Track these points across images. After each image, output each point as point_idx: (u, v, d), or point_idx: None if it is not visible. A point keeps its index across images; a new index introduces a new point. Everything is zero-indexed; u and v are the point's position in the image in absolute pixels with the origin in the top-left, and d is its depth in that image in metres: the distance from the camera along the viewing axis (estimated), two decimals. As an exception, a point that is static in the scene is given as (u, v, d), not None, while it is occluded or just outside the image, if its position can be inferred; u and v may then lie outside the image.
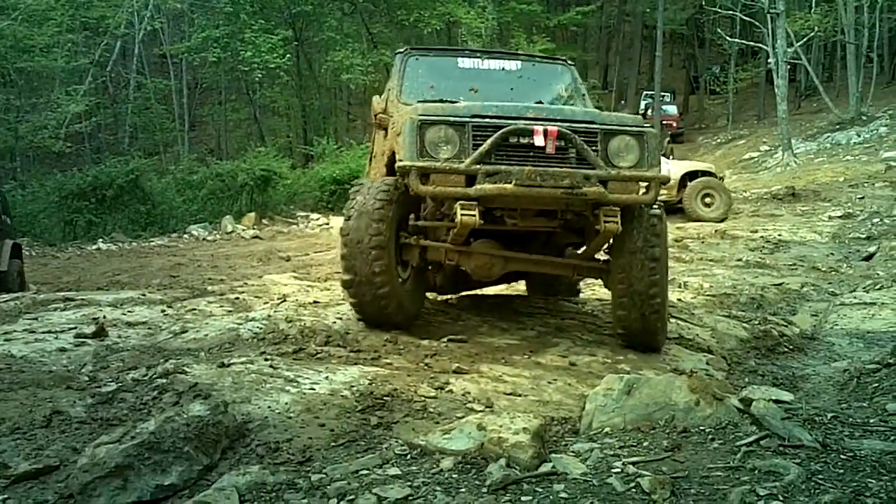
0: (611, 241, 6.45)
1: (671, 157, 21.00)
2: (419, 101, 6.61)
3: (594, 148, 5.89)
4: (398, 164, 5.88)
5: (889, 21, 39.04)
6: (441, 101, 6.43)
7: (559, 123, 5.85)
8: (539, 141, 5.75)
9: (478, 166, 5.69)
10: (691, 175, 20.46)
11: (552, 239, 6.98)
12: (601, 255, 6.83)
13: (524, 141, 5.79)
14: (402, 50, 7.93)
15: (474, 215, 5.72)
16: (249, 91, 38.87)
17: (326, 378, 4.90)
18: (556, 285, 8.61)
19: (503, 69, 7.73)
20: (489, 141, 5.71)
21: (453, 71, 7.62)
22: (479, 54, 8.03)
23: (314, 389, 4.67)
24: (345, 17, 36.61)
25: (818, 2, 36.05)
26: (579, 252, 7.02)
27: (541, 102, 6.89)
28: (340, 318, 6.56)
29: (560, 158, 5.82)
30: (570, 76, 8.04)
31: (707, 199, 19.98)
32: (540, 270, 7.18)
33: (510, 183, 5.64)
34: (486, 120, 5.84)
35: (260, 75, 32.72)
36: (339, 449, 4.00)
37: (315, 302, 7.63)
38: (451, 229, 6.24)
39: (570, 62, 8.37)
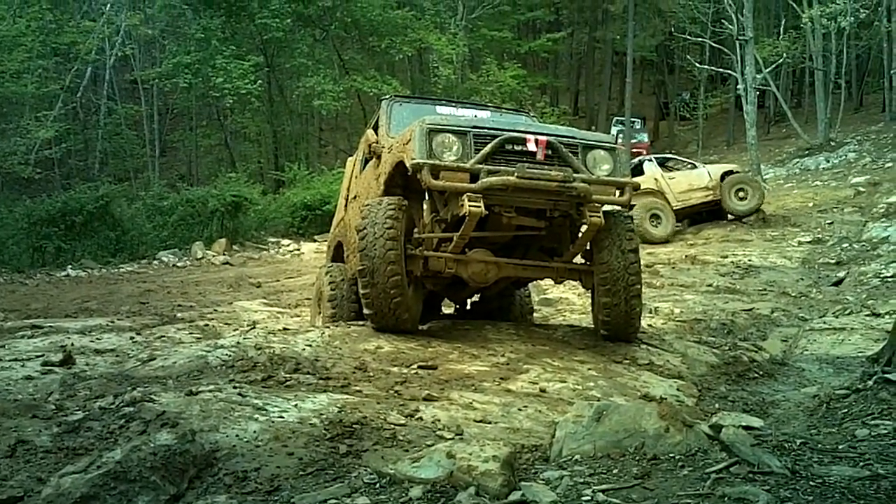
0: (588, 246, 7.44)
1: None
2: None
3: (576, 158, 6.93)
4: (412, 162, 6.68)
5: (856, 48, 39.60)
6: None
7: (546, 136, 6.91)
8: (531, 147, 6.77)
9: (480, 166, 6.60)
10: (724, 175, 21.76)
11: (532, 250, 7.81)
12: (578, 260, 7.73)
13: (518, 148, 6.78)
14: (387, 97, 9.28)
15: (480, 206, 6.50)
16: (220, 117, 38.86)
17: (295, 406, 4.86)
18: (511, 310, 9.40)
19: (476, 116, 8.57)
20: (490, 145, 6.67)
21: (432, 115, 8.20)
22: (454, 103, 9.53)
23: (283, 417, 4.62)
24: (316, 43, 36.62)
25: (786, 28, 36.48)
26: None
27: None
28: (310, 345, 6.50)
29: (548, 164, 6.78)
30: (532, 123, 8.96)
31: (741, 193, 21.43)
32: (529, 275, 7.95)
33: (512, 176, 6.51)
34: (485, 130, 6.84)
35: (231, 101, 32.67)
36: (308, 478, 3.96)
37: (285, 329, 7.59)
38: (451, 239, 7.05)
39: (532, 113, 9.99)
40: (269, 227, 25.86)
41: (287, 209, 26.30)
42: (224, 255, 22.00)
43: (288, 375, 5.68)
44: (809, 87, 40.25)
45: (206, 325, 8.42)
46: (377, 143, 8.23)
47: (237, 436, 4.28)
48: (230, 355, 6.18)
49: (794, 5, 35.09)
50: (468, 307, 9.57)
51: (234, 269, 19.81)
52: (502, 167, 6.62)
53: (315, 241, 24.03)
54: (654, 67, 56.23)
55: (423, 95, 9.56)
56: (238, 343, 6.56)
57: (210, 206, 23.75)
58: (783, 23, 37.45)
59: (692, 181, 21.63)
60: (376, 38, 35.40)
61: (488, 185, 6.52)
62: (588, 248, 7.50)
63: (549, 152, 6.81)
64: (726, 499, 3.37)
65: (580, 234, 7.38)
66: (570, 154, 6.87)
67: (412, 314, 7.18)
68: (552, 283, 8.80)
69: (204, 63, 31.75)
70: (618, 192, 7.07)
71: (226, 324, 8.68)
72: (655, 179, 21.33)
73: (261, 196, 26.84)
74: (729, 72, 34.49)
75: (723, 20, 33.36)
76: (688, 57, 41.63)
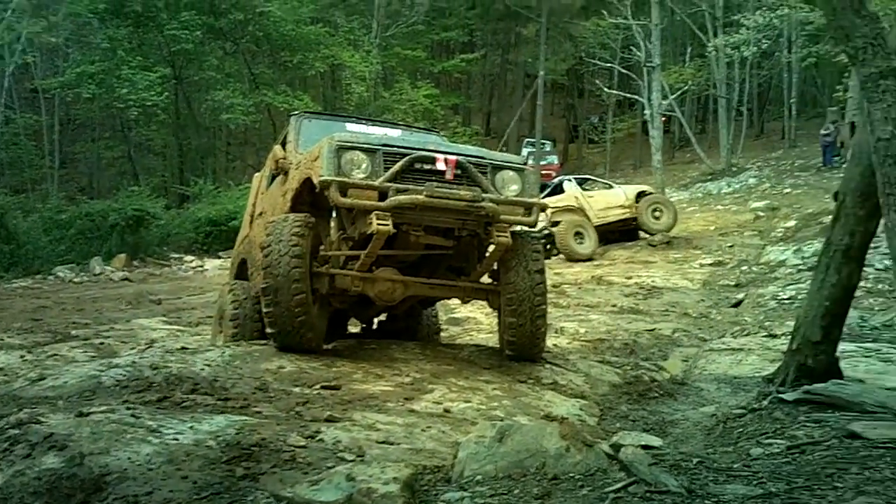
0: (495, 266, 7.43)
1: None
2: None
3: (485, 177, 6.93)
4: (320, 179, 6.56)
5: (758, 77, 40.76)
6: None
7: (456, 155, 6.89)
8: (441, 166, 6.73)
9: (389, 184, 6.53)
10: (640, 195, 22.80)
11: (439, 269, 7.77)
12: (486, 280, 7.72)
13: (427, 167, 6.73)
14: (296, 113, 9.19)
15: (388, 225, 6.43)
16: (125, 128, 38.10)
17: (191, 427, 4.71)
18: (419, 329, 9.34)
19: (386, 134, 8.39)
20: (399, 163, 6.61)
21: (342, 132, 8.10)
22: (364, 120, 9.49)
23: (178, 440, 4.47)
24: (226, 56, 36.23)
25: (692, 56, 37.39)
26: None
27: None
28: (209, 365, 6.35)
29: (457, 184, 6.74)
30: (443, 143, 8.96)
31: (656, 213, 22.36)
32: (436, 294, 7.97)
33: (421, 194, 6.47)
34: (395, 148, 6.80)
35: (136, 113, 32.06)
36: (202, 502, 3.83)
37: (184, 348, 7.40)
38: (358, 257, 6.95)
39: (441, 133, 10.04)
40: (172, 242, 25.40)
41: (191, 224, 25.88)
42: (124, 270, 21.51)
43: (185, 396, 5.53)
44: (713, 113, 41.24)
45: (102, 343, 8.20)
46: (285, 159, 8.16)
47: (129, 459, 4.12)
48: (125, 375, 5.99)
49: (700, 34, 36.05)
50: (374, 326, 9.43)
51: (133, 285, 19.37)
52: (411, 186, 6.56)
53: (220, 257, 23.67)
54: (564, 91, 57.07)
55: (334, 112, 9.39)
56: (133, 362, 6.37)
57: (110, 220, 23.26)
58: (689, 51, 38.56)
59: (609, 200, 22.53)
60: (288, 53, 35.20)
61: (397, 203, 6.45)
62: (495, 268, 7.50)
63: (459, 172, 6.79)
64: (624, 520, 3.38)
65: (488, 254, 7.35)
66: (479, 174, 6.86)
67: (316, 333, 7.07)
68: (459, 302, 8.71)
69: (109, 73, 31.12)
70: (525, 213, 7.06)
71: (122, 342, 8.44)
72: (576, 197, 22.27)
73: (164, 211, 26.36)
74: (636, 97, 35.20)
75: (631, 46, 34.06)
76: (597, 81, 42.34)
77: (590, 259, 20.70)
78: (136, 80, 30.14)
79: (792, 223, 21.38)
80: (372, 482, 3.73)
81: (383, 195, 6.54)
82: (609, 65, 38.10)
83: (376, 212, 6.45)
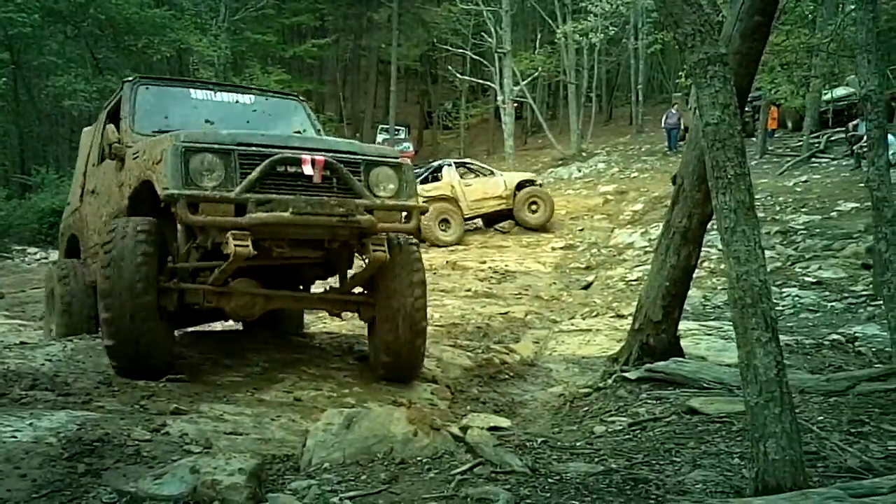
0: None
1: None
2: (154, 132, 6.68)
3: (357, 178, 6.08)
4: (164, 192, 5.61)
5: (606, 63, 41.79)
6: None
7: (324, 153, 5.98)
8: (307, 170, 5.82)
9: (248, 195, 5.63)
10: (521, 185, 22.04)
11: (302, 274, 7.01)
12: (357, 289, 6.90)
13: (292, 170, 5.83)
14: (130, 78, 7.63)
15: (247, 245, 5.58)
16: (-40, 115, 36.25)
17: (30, 425, 4.56)
18: (283, 321, 8.46)
19: (237, 102, 7.73)
20: (258, 169, 5.67)
21: (186, 102, 7.50)
22: (211, 86, 8.00)
23: (16, 437, 4.33)
24: (68, 40, 34.82)
25: (542, 43, 38.01)
26: (335, 286, 7.07)
27: None
28: (50, 360, 6.15)
29: (326, 188, 5.92)
30: (304, 112, 8.19)
31: (533, 207, 21.74)
32: (301, 307, 7.33)
33: (287, 211, 5.63)
34: (253, 148, 5.81)
35: (-29, 99, 30.58)
36: (41, 500, 3.72)
37: (23, 343, 7.15)
38: (212, 269, 6.02)
39: (301, 98, 8.52)
40: (14, 234, 24.31)
41: (34, 215, 24.81)
42: (-37, 263, 20.52)
43: (24, 392, 5.35)
44: (564, 99, 42.04)
45: (-65, 340, 7.81)
46: (119, 142, 6.89)
47: (-37, 458, 3.99)
48: (-40, 372, 5.75)
49: (550, 21, 36.68)
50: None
51: (-28, 279, 18.49)
52: (273, 194, 5.70)
53: (65, 249, 22.78)
54: (417, 77, 57.21)
55: (175, 78, 7.76)
56: (-33, 359, 6.12)
57: (-54, 212, 22.13)
58: (539, 37, 39.09)
59: (488, 189, 21.89)
60: (133, 37, 34.03)
61: (258, 221, 5.60)
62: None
63: (328, 173, 5.92)
64: (469, 499, 3.46)
65: (363, 267, 6.52)
66: (352, 176, 6.02)
67: (162, 356, 6.05)
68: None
69: (-59, 57, 29.58)
70: (404, 219, 6.36)
71: (-42, 338, 8.08)
72: (452, 187, 21.50)
73: (4, 201, 25.22)
74: (489, 83, 35.65)
75: (483, 32, 34.48)
76: (450, 67, 42.71)
77: (456, 244, 20.59)
78: (-29, 64, 28.75)
79: (639, 206, 22.06)
80: (217, 474, 3.70)
81: (240, 207, 5.65)
82: (461, 51, 38.45)
83: (233, 231, 5.60)
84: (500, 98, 31.79)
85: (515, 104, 33.90)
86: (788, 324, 9.73)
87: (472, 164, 24.41)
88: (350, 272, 6.96)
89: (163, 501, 3.60)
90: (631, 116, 40.29)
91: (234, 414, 5.32)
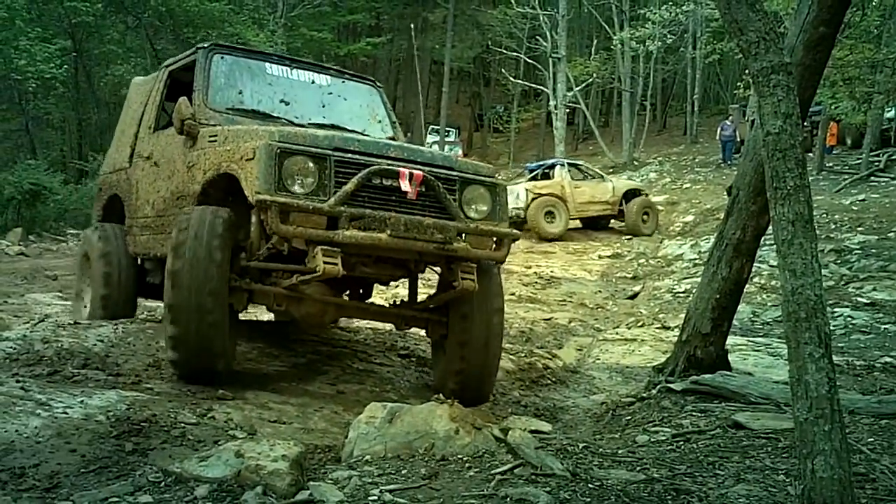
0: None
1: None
2: (228, 110, 6.47)
3: (452, 197, 5.64)
4: (256, 196, 5.13)
5: (662, 72, 41.55)
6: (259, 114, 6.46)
7: (421, 167, 5.54)
8: (405, 186, 5.39)
9: (342, 208, 5.19)
10: (628, 193, 22.18)
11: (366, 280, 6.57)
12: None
13: (387, 183, 5.40)
14: (205, 45, 6.96)
15: (337, 264, 5.16)
16: (22, 101, 36.82)
17: (81, 402, 4.66)
18: None
19: (313, 82, 7.24)
20: (354, 180, 5.23)
21: (262, 77, 6.96)
22: (288, 62, 7.36)
23: (67, 413, 4.43)
24: (128, 30, 35.27)
25: (598, 49, 37.86)
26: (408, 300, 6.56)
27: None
28: (102, 341, 6.24)
29: (420, 206, 5.49)
30: (380, 98, 7.74)
31: (645, 217, 21.79)
32: (370, 319, 6.76)
33: (384, 233, 5.24)
34: (349, 155, 5.36)
35: (34, 85, 31.03)
36: (90, 475, 3.82)
37: (76, 322, 7.26)
38: (294, 273, 5.56)
39: (378, 83, 7.95)
40: (70, 218, 24.67)
41: (89, 200, 25.03)
42: (20, 245, 20.79)
43: (76, 371, 5.46)
44: (617, 107, 41.93)
45: (-6, 317, 7.97)
46: (192, 118, 6.28)
47: (17, 431, 4.10)
48: (15, 348, 5.87)
49: (606, 27, 36.53)
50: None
51: (29, 260, 18.76)
52: (366, 208, 5.28)
53: (118, 234, 23.09)
54: (470, 79, 57.31)
55: (252, 49, 6.96)
56: (24, 336, 6.24)
57: (6, 194, 22.47)
58: (595, 43, 38.94)
59: (596, 193, 22.00)
60: (191, 30, 34.35)
61: (353, 241, 5.20)
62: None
63: (423, 189, 5.47)
64: (509, 499, 3.46)
65: (447, 290, 6.04)
66: (448, 196, 5.56)
67: (227, 360, 5.65)
68: None
69: (6, 44, 30.01)
70: (495, 247, 5.91)
71: (15, 316, 8.23)
72: (562, 186, 21.63)
73: (62, 186, 25.58)
74: (542, 87, 35.61)
75: (538, 37, 34.40)
76: (503, 70, 42.65)
77: (559, 238, 20.89)
78: (34, 51, 29.16)
79: (690, 218, 21.89)
80: (261, 459, 3.75)
81: (332, 220, 5.22)
82: (515, 54, 38.41)
83: (323, 247, 5.18)
84: (552, 103, 31.70)
85: (567, 109, 33.78)
86: (839, 344, 9.57)
87: (584, 166, 24.35)
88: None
89: (207, 482, 3.64)
90: (685, 126, 40.06)
91: (278, 403, 5.37)
